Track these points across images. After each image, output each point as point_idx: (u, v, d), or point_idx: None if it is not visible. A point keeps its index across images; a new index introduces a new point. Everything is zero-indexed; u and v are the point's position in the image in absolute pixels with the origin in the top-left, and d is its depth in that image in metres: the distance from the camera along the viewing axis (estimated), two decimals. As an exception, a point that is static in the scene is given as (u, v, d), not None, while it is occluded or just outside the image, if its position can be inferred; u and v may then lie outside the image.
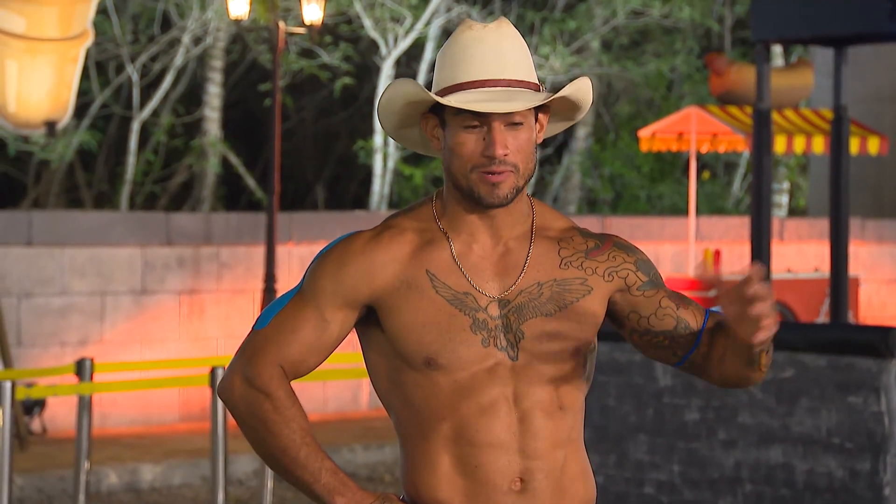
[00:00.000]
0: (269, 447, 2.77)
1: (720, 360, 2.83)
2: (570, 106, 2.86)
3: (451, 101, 2.72)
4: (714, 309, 2.92)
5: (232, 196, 23.01)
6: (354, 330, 2.87)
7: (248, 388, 2.77)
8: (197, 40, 20.01)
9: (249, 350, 2.79)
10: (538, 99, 2.74)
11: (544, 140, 2.98)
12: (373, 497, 2.75)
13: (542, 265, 2.81)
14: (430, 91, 2.79)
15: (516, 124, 2.74)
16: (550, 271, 2.81)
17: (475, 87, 2.75)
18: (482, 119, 2.73)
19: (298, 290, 2.81)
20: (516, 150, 2.74)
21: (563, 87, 2.82)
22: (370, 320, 2.82)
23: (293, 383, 2.85)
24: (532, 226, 2.84)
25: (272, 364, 2.77)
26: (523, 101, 2.72)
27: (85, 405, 8.04)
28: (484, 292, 2.78)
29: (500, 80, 2.75)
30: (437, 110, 2.79)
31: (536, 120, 2.80)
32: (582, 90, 2.82)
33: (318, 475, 2.75)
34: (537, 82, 2.80)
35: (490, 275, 2.79)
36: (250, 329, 2.83)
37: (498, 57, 2.75)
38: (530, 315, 2.78)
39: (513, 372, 2.77)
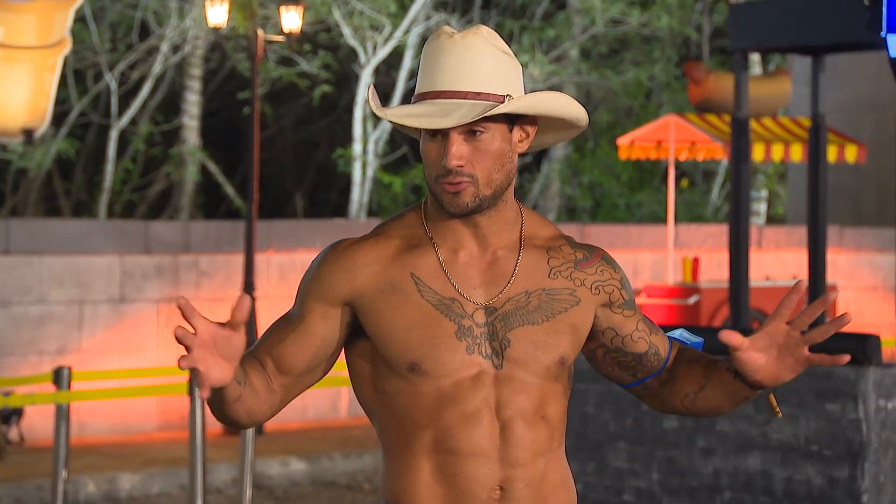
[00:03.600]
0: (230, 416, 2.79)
1: (688, 393, 2.90)
2: (557, 120, 2.82)
3: (388, 113, 2.72)
4: (675, 334, 2.98)
5: (211, 204, 22.98)
6: None
7: None
8: (175, 48, 19.98)
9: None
10: (474, 113, 2.68)
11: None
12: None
13: (531, 274, 2.80)
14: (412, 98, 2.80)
15: (476, 133, 2.72)
16: (539, 280, 2.80)
17: (431, 98, 2.73)
18: (439, 129, 2.72)
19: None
20: (476, 160, 2.71)
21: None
22: (355, 327, 2.82)
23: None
24: (521, 234, 2.82)
25: (250, 356, 2.80)
26: (457, 117, 2.68)
27: (63, 414, 8.02)
28: (470, 299, 2.77)
29: (455, 91, 2.71)
30: None
31: (513, 130, 2.76)
32: (539, 107, 2.75)
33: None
34: (501, 93, 2.74)
35: (477, 282, 2.78)
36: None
37: (455, 68, 2.72)
38: (517, 323, 2.77)
39: (496, 380, 2.76)
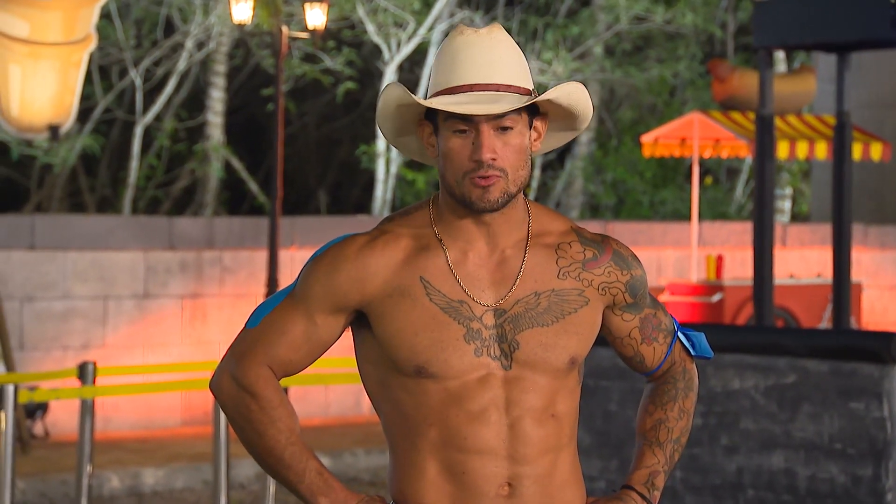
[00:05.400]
0: (256, 446, 2.79)
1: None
2: (568, 114, 2.83)
3: (434, 103, 2.70)
4: (686, 332, 2.98)
5: (234, 201, 23.02)
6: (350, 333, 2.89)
7: (236, 387, 2.79)
8: (200, 45, 20.03)
9: (238, 349, 2.81)
10: (521, 101, 2.71)
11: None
12: (357, 498, 2.75)
13: (540, 274, 2.79)
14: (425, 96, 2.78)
15: (505, 129, 2.72)
16: (548, 281, 2.79)
17: (463, 91, 2.72)
18: (470, 124, 2.71)
19: (291, 291, 2.81)
20: (505, 155, 2.72)
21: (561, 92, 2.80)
22: (362, 324, 2.82)
23: (294, 386, 2.86)
24: (528, 231, 2.82)
25: (260, 364, 2.78)
26: (507, 104, 2.69)
27: (87, 409, 8.05)
28: (479, 301, 2.76)
29: (488, 84, 2.72)
30: (431, 117, 2.78)
31: (532, 127, 2.78)
32: (573, 96, 2.79)
33: (302, 475, 2.76)
34: (529, 88, 2.77)
35: (486, 283, 2.78)
36: (243, 327, 2.84)
37: (487, 62, 2.73)
38: (527, 325, 2.77)
39: (505, 381, 2.76)
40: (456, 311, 2.75)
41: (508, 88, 2.73)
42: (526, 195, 2.86)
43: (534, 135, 2.80)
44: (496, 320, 2.77)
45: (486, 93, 2.72)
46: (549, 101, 2.77)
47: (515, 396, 2.75)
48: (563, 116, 2.84)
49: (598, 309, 2.84)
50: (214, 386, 2.83)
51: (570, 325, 2.79)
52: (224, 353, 2.84)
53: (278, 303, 2.81)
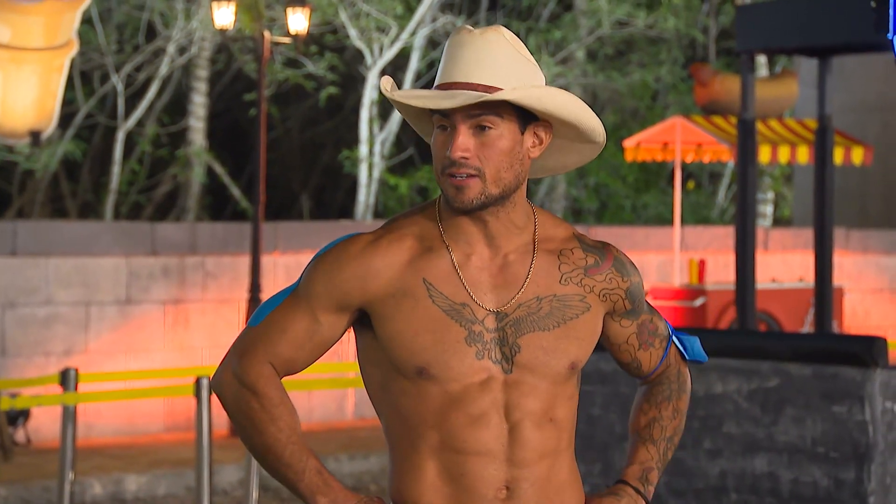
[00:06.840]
0: (256, 444, 2.79)
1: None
2: (572, 125, 2.79)
3: (396, 94, 2.72)
4: (680, 336, 3.03)
5: (217, 206, 22.99)
6: (346, 335, 2.89)
7: (238, 384, 2.80)
8: (182, 50, 19.99)
9: (241, 347, 2.81)
10: (474, 99, 2.67)
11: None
12: (356, 498, 2.75)
13: (542, 280, 2.80)
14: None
15: (483, 128, 2.71)
16: (550, 286, 2.80)
17: (445, 89, 2.73)
18: (449, 120, 2.71)
19: (294, 289, 2.82)
20: (483, 155, 2.71)
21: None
22: (365, 326, 2.82)
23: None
24: (534, 237, 2.82)
25: (262, 362, 2.78)
26: (461, 100, 2.67)
27: (69, 415, 8.02)
28: (482, 304, 2.77)
29: (468, 83, 2.71)
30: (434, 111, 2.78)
31: (526, 131, 2.76)
32: (544, 101, 2.73)
33: (301, 474, 2.76)
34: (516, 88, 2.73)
35: (488, 286, 2.78)
36: (245, 326, 2.84)
37: (472, 61, 2.72)
38: (528, 329, 2.77)
39: (505, 385, 2.77)
40: (458, 313, 2.75)
41: (488, 89, 2.70)
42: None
43: (532, 140, 2.77)
44: (497, 323, 2.77)
45: (461, 92, 2.70)
46: (547, 110, 2.73)
47: (515, 400, 2.76)
48: (568, 127, 2.80)
49: (599, 315, 2.86)
50: (216, 383, 2.83)
51: (571, 331, 2.80)
52: (228, 351, 2.85)
53: (280, 302, 2.81)
